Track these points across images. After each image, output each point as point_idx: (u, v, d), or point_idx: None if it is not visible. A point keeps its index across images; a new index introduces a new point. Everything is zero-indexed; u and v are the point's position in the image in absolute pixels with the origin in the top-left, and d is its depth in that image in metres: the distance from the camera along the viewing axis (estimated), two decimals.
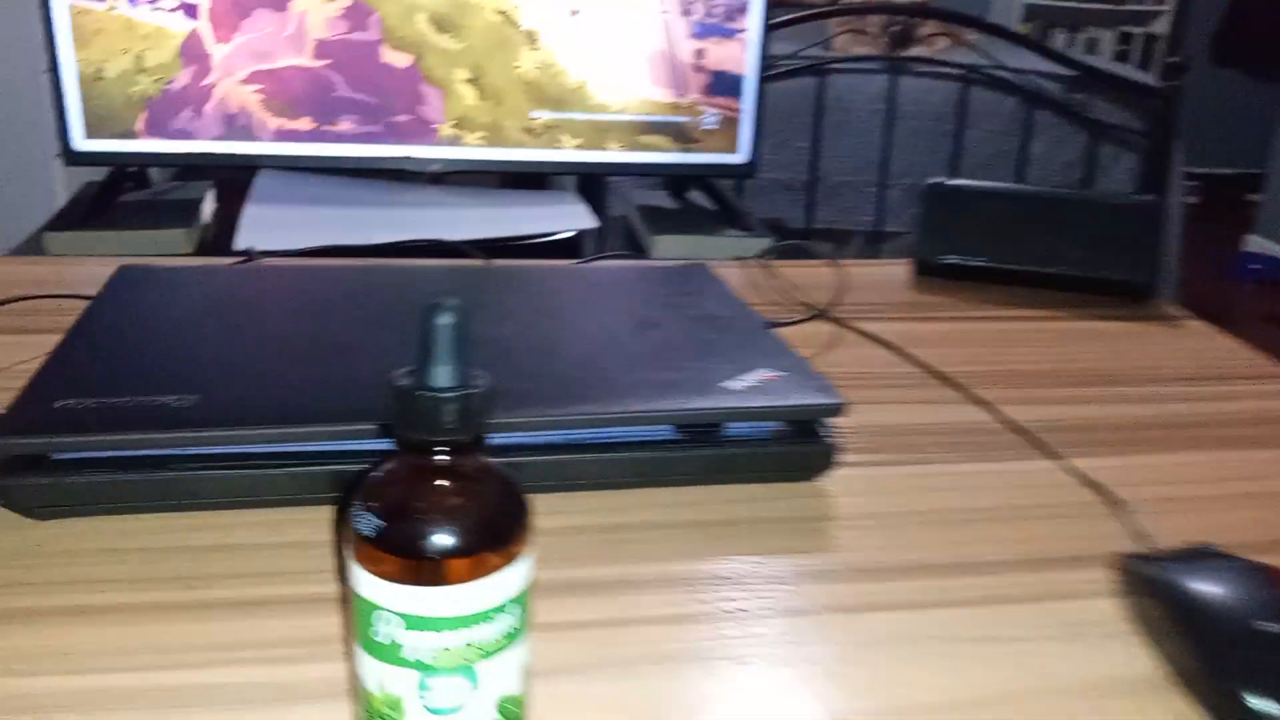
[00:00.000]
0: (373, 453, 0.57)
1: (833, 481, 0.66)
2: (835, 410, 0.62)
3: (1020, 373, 0.85)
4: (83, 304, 0.78)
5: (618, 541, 0.58)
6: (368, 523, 0.36)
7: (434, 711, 0.37)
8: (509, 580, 0.37)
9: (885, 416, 0.75)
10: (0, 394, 0.59)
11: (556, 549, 0.57)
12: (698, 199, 1.51)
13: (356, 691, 0.39)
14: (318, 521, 0.58)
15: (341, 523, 0.38)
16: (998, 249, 1.03)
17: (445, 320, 0.35)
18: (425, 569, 0.36)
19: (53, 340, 0.66)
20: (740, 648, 0.50)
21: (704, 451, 0.63)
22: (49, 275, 0.94)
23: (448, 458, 0.37)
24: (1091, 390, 0.82)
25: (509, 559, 0.37)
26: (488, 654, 0.37)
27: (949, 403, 0.79)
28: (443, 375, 0.36)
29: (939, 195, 1.04)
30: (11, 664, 0.46)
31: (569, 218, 1.44)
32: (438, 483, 0.37)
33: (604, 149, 1.34)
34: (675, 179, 1.50)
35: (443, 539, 0.36)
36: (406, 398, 0.36)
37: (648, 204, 1.48)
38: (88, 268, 0.95)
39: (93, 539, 0.55)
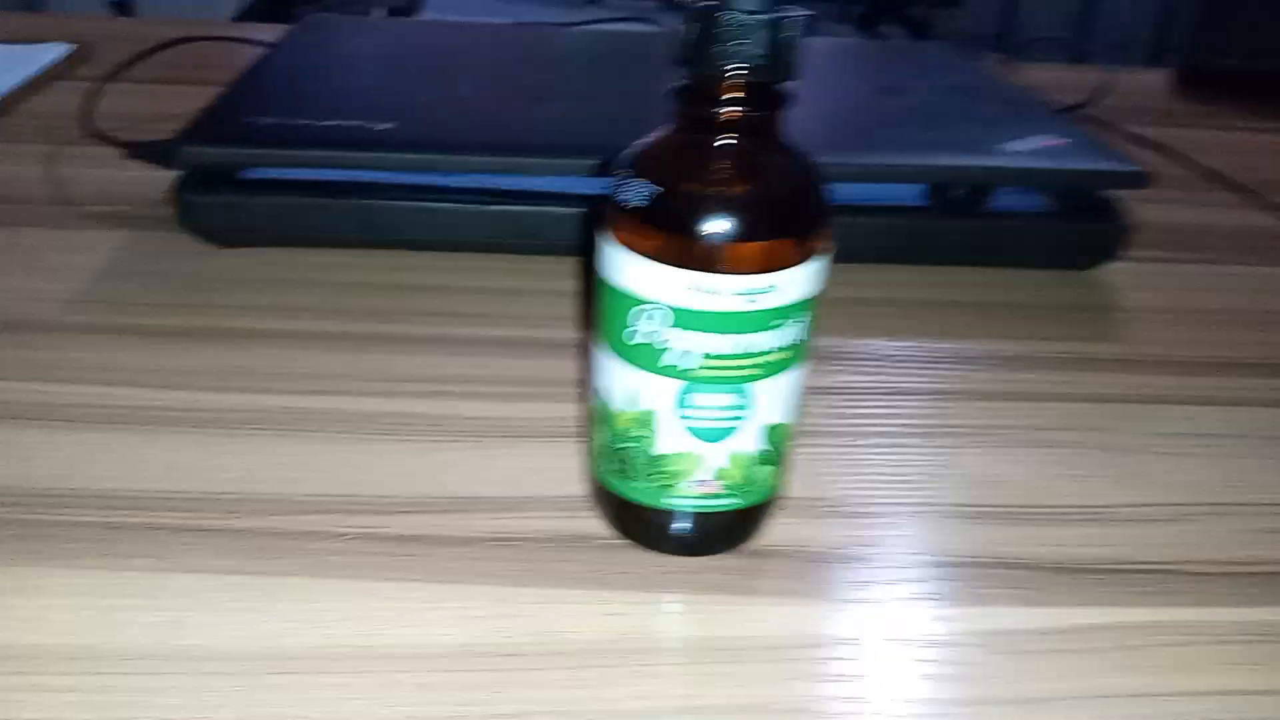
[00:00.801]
0: (582, 198, 0.49)
1: (1111, 274, 0.55)
2: (1137, 180, 0.52)
3: None
4: (259, 53, 0.72)
5: (866, 315, 0.50)
6: (637, 191, 0.28)
7: (693, 432, 0.30)
8: (802, 279, 0.29)
9: (1164, 215, 0.64)
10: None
11: None
12: (888, 33, 1.37)
13: (595, 414, 0.32)
14: (528, 271, 0.51)
15: (590, 228, 0.30)
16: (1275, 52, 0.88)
17: None
18: (703, 250, 0.28)
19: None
20: (1021, 429, 0.42)
21: (967, 223, 0.53)
22: (218, 29, 0.88)
23: (745, 110, 0.28)
24: None
25: (806, 253, 0.29)
26: (767, 369, 0.29)
27: (1236, 207, 0.67)
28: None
29: None
30: (198, 379, 0.41)
31: None
32: (729, 146, 0.28)
33: None
34: (868, 8, 1.36)
35: (728, 215, 0.28)
36: (704, 20, 0.27)
37: (836, 36, 1.35)
38: (263, 30, 0.89)
39: (279, 269, 0.50)
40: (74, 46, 0.80)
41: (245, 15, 1.37)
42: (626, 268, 0.29)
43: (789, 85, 0.28)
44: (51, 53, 0.78)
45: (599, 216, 0.30)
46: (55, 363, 0.42)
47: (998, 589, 0.33)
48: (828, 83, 0.64)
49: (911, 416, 0.42)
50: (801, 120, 0.52)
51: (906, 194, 0.53)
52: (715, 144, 0.28)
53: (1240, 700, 0.30)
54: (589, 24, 0.95)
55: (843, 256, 0.52)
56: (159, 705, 0.27)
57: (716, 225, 0.28)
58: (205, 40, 0.77)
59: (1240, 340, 0.50)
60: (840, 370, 0.45)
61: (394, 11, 1.35)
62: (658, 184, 0.28)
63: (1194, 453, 0.41)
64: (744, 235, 0.28)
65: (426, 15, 1.22)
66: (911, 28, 1.44)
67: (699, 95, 0.28)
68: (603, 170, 0.47)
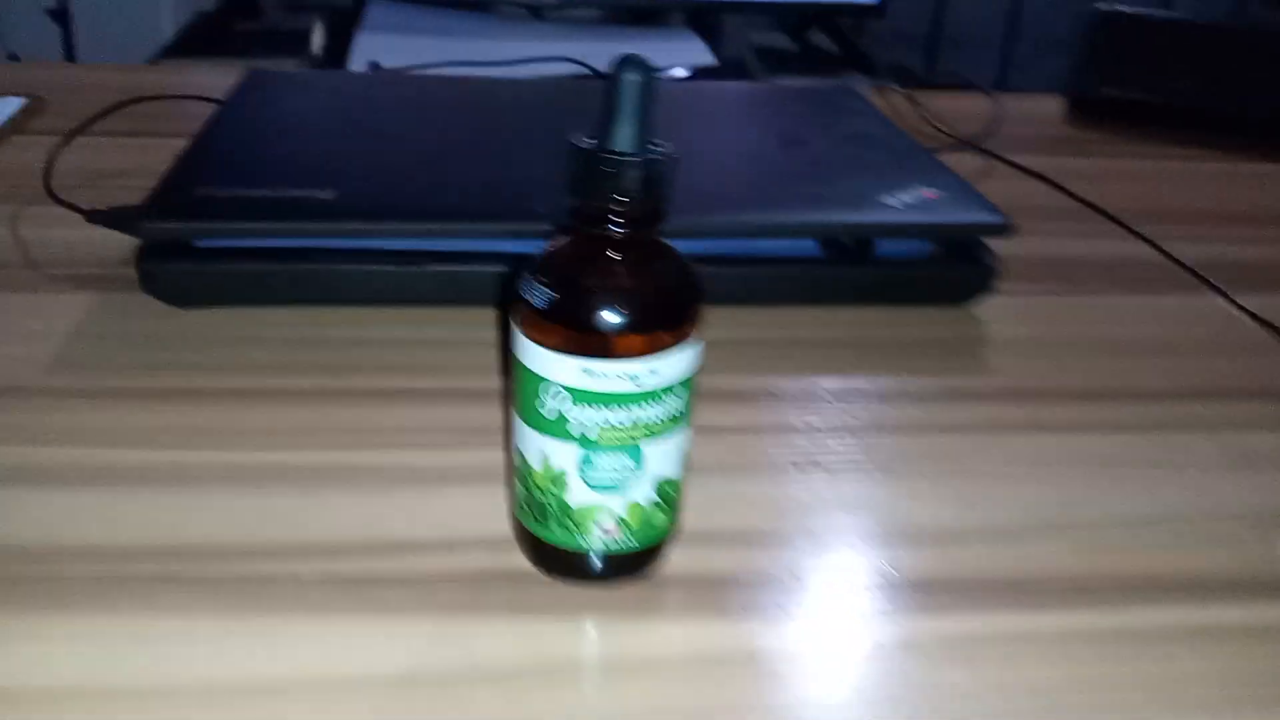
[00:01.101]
0: (510, 255, 0.55)
1: (987, 308, 0.62)
2: (1002, 229, 0.59)
3: (1184, 210, 0.80)
4: (208, 107, 0.77)
5: (759, 355, 0.56)
6: (539, 294, 0.35)
7: (595, 488, 0.36)
8: (679, 360, 0.35)
9: (1040, 248, 0.71)
10: (136, 194, 0.58)
11: None
12: (817, 42, 1.43)
13: (516, 470, 0.38)
14: (456, 321, 0.57)
15: (509, 297, 0.36)
16: (1165, 84, 0.95)
17: (633, 78, 0.33)
18: (595, 342, 0.34)
19: (181, 143, 0.65)
20: (892, 461, 0.48)
21: (855, 270, 0.60)
22: (170, 82, 0.93)
23: (625, 229, 0.34)
24: (1262, 231, 0.77)
25: (681, 339, 0.35)
26: (653, 434, 0.36)
27: (1108, 236, 0.74)
28: (626, 138, 0.33)
29: (1108, 23, 0.97)
30: (168, 438, 0.47)
31: (686, 53, 1.38)
32: (613, 255, 0.35)
33: None
34: (796, 17, 1.42)
35: (614, 311, 0.34)
36: (587, 161, 0.33)
37: (765, 44, 1.41)
38: (208, 77, 0.94)
39: (235, 328, 0.55)
40: (27, 100, 0.84)
41: (183, 34, 1.40)
42: (533, 355, 0.35)
43: (661, 209, 0.34)
44: (7, 107, 0.82)
45: (511, 309, 0.36)
46: (39, 426, 0.47)
47: (860, 602, 0.40)
48: (730, 133, 0.71)
49: (794, 451, 0.48)
50: (703, 176, 0.59)
51: (801, 244, 0.59)
52: (600, 255, 0.34)
53: (1049, 694, 0.36)
54: (522, 63, 1.01)
55: (744, 301, 0.59)
56: None
57: (602, 321, 0.34)
58: (159, 99, 0.82)
59: (1090, 369, 0.57)
60: (734, 410, 0.51)
61: (330, 24, 1.38)
62: (553, 288, 0.34)
63: (1034, 478, 0.48)
64: (626, 329, 0.34)
65: (365, 32, 1.26)
66: (840, 35, 1.50)
67: (585, 216, 0.34)
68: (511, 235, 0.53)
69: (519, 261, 0.36)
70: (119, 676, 0.35)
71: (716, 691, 0.36)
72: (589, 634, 0.38)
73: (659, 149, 0.33)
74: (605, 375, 0.34)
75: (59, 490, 0.43)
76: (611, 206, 0.33)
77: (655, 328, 0.34)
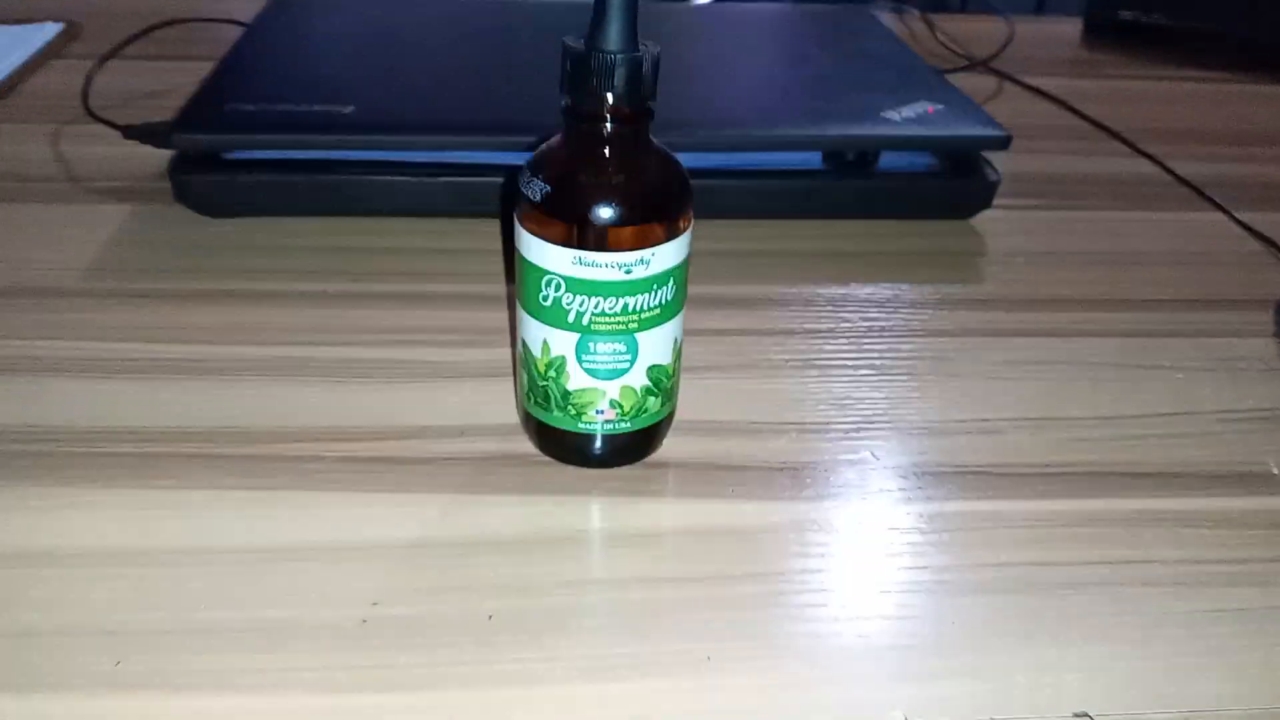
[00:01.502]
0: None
1: (987, 221, 0.64)
2: (1001, 142, 0.60)
3: (1193, 130, 0.81)
4: (237, 31, 0.79)
5: (762, 265, 0.59)
6: (535, 188, 0.37)
7: (591, 373, 0.39)
8: (668, 253, 0.38)
9: (1044, 165, 0.73)
10: (169, 113, 0.61)
11: (700, 268, 0.57)
12: None
13: (521, 359, 0.41)
14: (468, 232, 0.60)
15: (512, 192, 0.39)
16: (1182, 7, 0.95)
17: None
18: (587, 233, 0.37)
19: (210, 66, 0.67)
20: (883, 359, 0.51)
21: (855, 182, 0.62)
22: (201, 8, 0.95)
23: (614, 126, 0.37)
24: (1268, 150, 0.78)
25: (670, 232, 0.38)
26: (645, 322, 0.38)
27: (1114, 155, 0.75)
28: (614, 38, 0.35)
29: None
30: (202, 334, 0.50)
31: None
32: (603, 151, 0.37)
33: None
34: None
35: (604, 205, 0.37)
36: (579, 60, 0.35)
37: None
38: (238, 3, 0.96)
39: (263, 237, 0.58)
40: (64, 25, 0.87)
41: None
42: (532, 247, 0.38)
43: (649, 104, 0.37)
44: (44, 32, 0.85)
45: (514, 203, 0.39)
46: (82, 324, 0.50)
47: (848, 486, 0.43)
48: (739, 53, 0.73)
49: (788, 352, 0.51)
50: (715, 91, 0.61)
51: (805, 157, 0.61)
52: (592, 151, 0.37)
53: (1021, 569, 0.39)
54: None
55: (748, 214, 0.61)
56: (187, 590, 0.37)
57: (595, 214, 0.36)
58: (188, 21, 0.84)
59: (1085, 279, 0.59)
60: (734, 315, 0.54)
61: None
62: (549, 183, 0.37)
63: (1020, 378, 0.50)
64: (617, 222, 0.37)
65: None
66: None
67: (578, 115, 0.37)
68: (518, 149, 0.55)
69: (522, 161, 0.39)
70: (156, 540, 0.38)
71: (706, 562, 0.39)
72: (588, 509, 0.41)
73: (645, 47, 0.35)
74: (597, 265, 0.37)
75: (101, 380, 0.47)
76: (600, 104, 0.36)
77: (644, 221, 0.37)
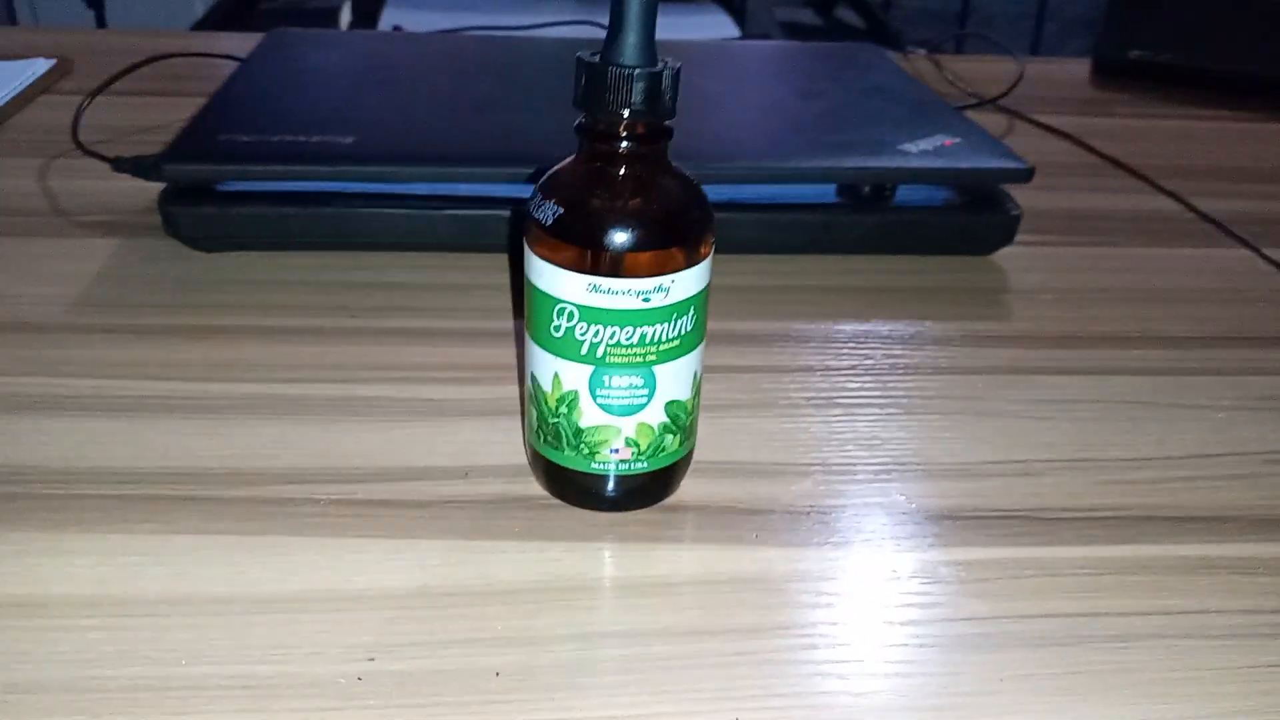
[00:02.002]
0: (519, 201, 0.55)
1: (1009, 258, 0.62)
2: (1023, 175, 0.58)
3: (1210, 168, 0.79)
4: (232, 68, 0.77)
5: (778, 300, 0.56)
6: (547, 211, 0.35)
7: (605, 408, 0.36)
8: (689, 280, 0.35)
9: (1063, 201, 0.71)
10: (161, 147, 0.59)
11: (714, 304, 0.55)
12: (845, 17, 1.42)
13: (530, 394, 0.39)
14: (472, 267, 0.57)
15: (521, 219, 0.36)
16: (1190, 46, 0.94)
17: None
18: (603, 259, 0.34)
19: (204, 101, 0.65)
20: (909, 398, 0.48)
21: (872, 216, 0.59)
22: (196, 46, 0.94)
23: (632, 144, 0.34)
24: None
25: (690, 258, 0.35)
26: (663, 354, 0.36)
27: (1133, 192, 0.73)
28: (632, 52, 0.33)
29: None
30: (190, 371, 0.47)
31: (712, 27, 1.38)
32: (620, 172, 0.35)
33: None
34: None
35: (621, 228, 0.34)
36: (593, 74, 0.33)
37: (790, 20, 1.40)
38: (234, 42, 0.94)
39: (257, 271, 0.56)
40: (55, 61, 0.85)
41: (213, 13, 1.42)
42: (544, 273, 0.35)
43: (668, 122, 0.34)
44: (35, 68, 0.83)
45: (523, 229, 0.36)
46: (63, 359, 0.48)
47: (879, 530, 0.40)
48: (756, 86, 0.71)
49: (809, 390, 0.48)
50: (728, 125, 0.59)
51: (819, 191, 0.59)
52: (608, 172, 0.35)
53: (1070, 621, 0.36)
54: (543, 26, 1.01)
55: (763, 249, 0.59)
56: (166, 640, 0.33)
57: (611, 239, 0.34)
58: (181, 56, 0.82)
59: (1114, 316, 0.56)
60: (751, 351, 0.51)
61: (357, 2, 1.39)
62: (562, 205, 0.34)
63: (1055, 417, 0.48)
64: (635, 246, 0.34)
65: (389, 9, 1.27)
66: (867, 11, 1.49)
67: (593, 133, 0.34)
68: (525, 181, 0.53)
69: (532, 180, 0.36)
70: (135, 588, 0.35)
71: (727, 614, 0.36)
72: (601, 556, 0.38)
73: (665, 63, 0.33)
74: (613, 292, 0.34)
75: (82, 418, 0.44)
76: (617, 120, 0.33)
77: (663, 246, 0.35)
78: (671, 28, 1.40)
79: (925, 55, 0.99)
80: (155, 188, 0.58)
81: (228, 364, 0.48)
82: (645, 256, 0.34)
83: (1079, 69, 1.02)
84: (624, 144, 0.34)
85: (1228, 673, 0.34)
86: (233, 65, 0.77)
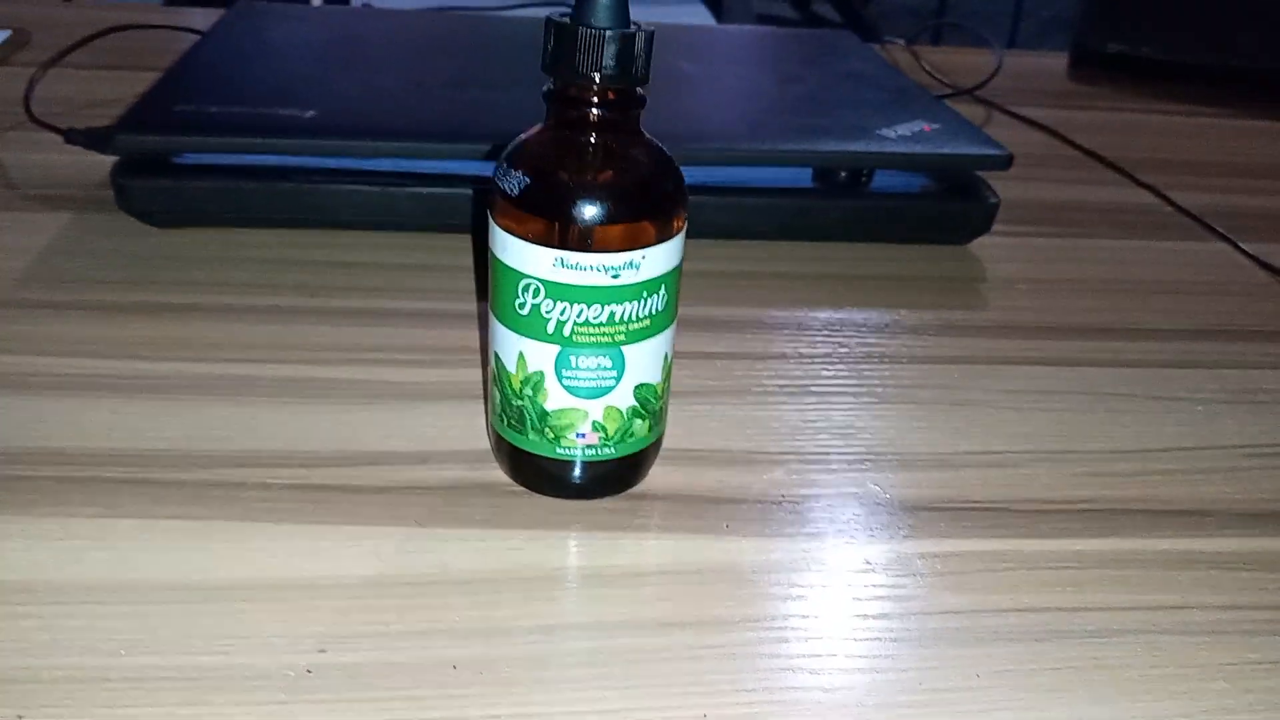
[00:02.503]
0: (482, 180, 0.54)
1: (983, 248, 0.61)
2: (1002, 162, 0.57)
3: (1188, 161, 0.78)
4: (194, 39, 0.75)
5: (751, 287, 0.55)
6: (512, 181, 0.33)
7: (572, 391, 0.35)
8: (660, 256, 0.34)
9: (1040, 193, 0.70)
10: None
11: (685, 289, 0.53)
12: (822, 11, 1.41)
13: (493, 375, 0.37)
14: (434, 247, 0.55)
15: (487, 191, 0.35)
16: (1168, 39, 0.94)
17: None
18: (570, 231, 0.33)
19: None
20: (884, 387, 0.47)
21: (848, 202, 0.58)
22: (158, 19, 0.91)
23: (603, 111, 0.33)
24: (1267, 182, 0.75)
25: (662, 233, 0.34)
26: (633, 334, 0.34)
27: (1110, 184, 0.73)
28: (605, 13, 0.31)
29: None
30: (139, 350, 0.45)
31: (689, 18, 1.37)
32: (590, 140, 0.33)
33: None
34: None
35: (589, 199, 0.32)
36: (565, 35, 0.32)
37: (768, 13, 1.39)
38: (197, 17, 0.92)
39: (212, 248, 0.54)
40: (10, 32, 0.83)
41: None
42: (509, 247, 0.34)
43: (640, 88, 0.33)
44: None
45: (487, 201, 0.34)
46: (8, 335, 0.45)
47: (853, 521, 0.39)
48: (732, 70, 0.69)
49: (782, 378, 0.47)
50: (703, 106, 0.57)
51: (795, 176, 0.58)
52: (577, 140, 0.33)
53: (1047, 615, 0.35)
54: (516, 7, 0.99)
55: (736, 234, 0.57)
56: (108, 628, 0.32)
57: (579, 211, 0.32)
58: (141, 28, 0.80)
59: (1092, 307, 0.56)
60: (722, 338, 0.50)
61: None
62: (529, 175, 0.33)
63: (1032, 408, 0.46)
64: (604, 219, 0.32)
65: None
66: (845, 5, 1.48)
67: (562, 98, 0.33)
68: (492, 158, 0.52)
69: (496, 154, 0.35)
70: (75, 574, 0.33)
71: (695, 606, 0.34)
72: (566, 545, 0.37)
73: (637, 26, 0.32)
74: (581, 268, 0.33)
75: (24, 396, 0.42)
76: (588, 85, 0.32)
77: (634, 219, 0.33)
78: (648, 18, 1.38)
79: (903, 46, 0.98)
80: (109, 161, 0.55)
81: (179, 343, 0.46)
82: (615, 230, 0.33)
83: (1057, 62, 1.01)
84: (594, 110, 0.32)
85: (1209, 669, 0.33)
86: (195, 39, 0.75)
